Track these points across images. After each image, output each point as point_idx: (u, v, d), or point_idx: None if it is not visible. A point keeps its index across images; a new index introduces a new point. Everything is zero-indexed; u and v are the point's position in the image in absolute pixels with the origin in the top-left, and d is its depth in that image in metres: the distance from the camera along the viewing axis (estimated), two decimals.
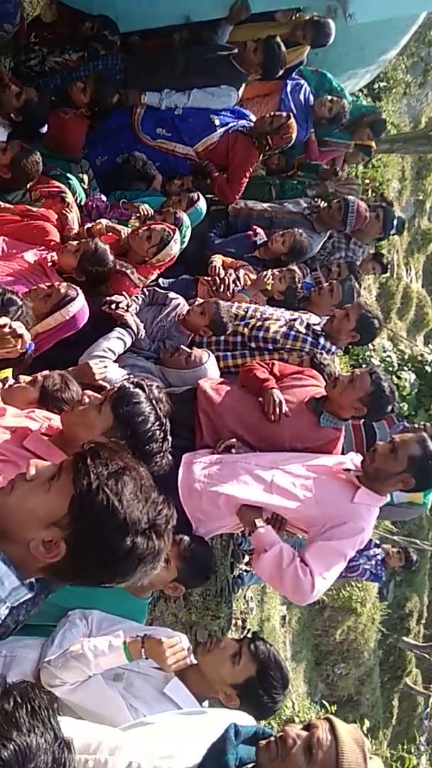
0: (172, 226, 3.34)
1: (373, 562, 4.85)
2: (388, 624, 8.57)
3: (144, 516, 1.29)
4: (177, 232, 3.30)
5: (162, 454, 1.91)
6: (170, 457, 1.97)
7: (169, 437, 1.94)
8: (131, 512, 1.27)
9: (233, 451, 2.71)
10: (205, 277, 3.97)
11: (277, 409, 2.76)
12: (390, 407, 2.84)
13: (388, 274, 9.32)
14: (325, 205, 4.57)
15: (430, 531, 10.35)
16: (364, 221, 4.50)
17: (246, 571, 5.14)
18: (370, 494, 2.57)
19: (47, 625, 2.16)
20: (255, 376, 2.90)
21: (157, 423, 1.91)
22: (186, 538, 2.37)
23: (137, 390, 1.94)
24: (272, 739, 1.60)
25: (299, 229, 4.21)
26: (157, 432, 1.90)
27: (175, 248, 3.28)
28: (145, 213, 3.72)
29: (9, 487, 1.33)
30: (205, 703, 2.12)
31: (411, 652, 9.59)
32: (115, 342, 2.94)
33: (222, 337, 3.38)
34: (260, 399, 2.83)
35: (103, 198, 3.85)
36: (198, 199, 3.88)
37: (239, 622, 5.11)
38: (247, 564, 5.21)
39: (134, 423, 1.87)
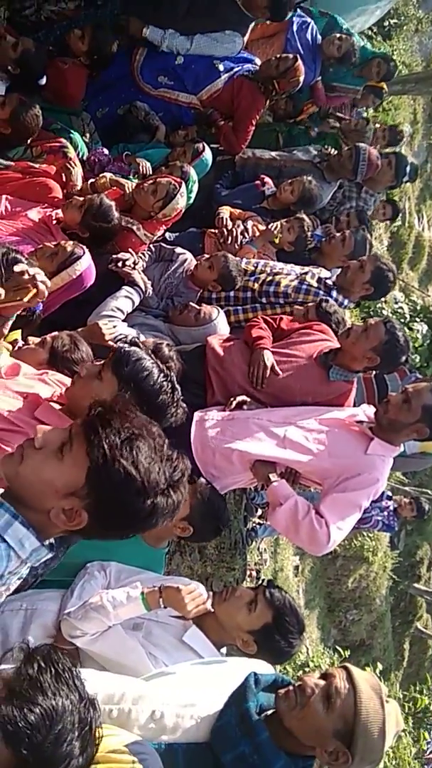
0: (178, 180, 3.24)
1: (386, 513, 4.91)
2: (399, 571, 8.73)
3: (162, 477, 1.30)
4: (183, 185, 3.21)
5: (175, 404, 1.90)
6: (184, 406, 1.97)
7: (178, 386, 1.92)
8: (149, 476, 1.28)
9: (245, 407, 2.70)
10: (212, 230, 3.88)
11: (260, 373, 2.73)
12: (404, 357, 2.81)
13: (399, 223, 9.10)
14: (336, 152, 4.42)
15: None
16: (376, 169, 4.35)
17: (259, 524, 5.22)
18: (383, 445, 2.57)
19: (66, 579, 2.20)
20: (250, 334, 2.88)
21: (162, 375, 1.89)
22: (202, 479, 2.38)
23: (134, 348, 1.92)
24: (291, 688, 1.64)
25: (308, 177, 4.08)
26: (165, 383, 1.88)
27: (181, 202, 3.20)
28: (145, 170, 3.62)
29: (19, 456, 1.32)
30: (223, 650, 2.16)
31: (421, 598, 9.81)
32: (123, 301, 2.90)
33: (232, 293, 3.32)
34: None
35: (105, 151, 3.75)
36: (203, 149, 3.76)
37: (254, 573, 5.21)
38: (260, 517, 5.28)
39: (139, 380, 1.85)
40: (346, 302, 3.41)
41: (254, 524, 5.19)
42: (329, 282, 3.40)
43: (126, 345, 1.94)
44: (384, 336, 2.74)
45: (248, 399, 2.72)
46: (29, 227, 3.00)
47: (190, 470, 1.39)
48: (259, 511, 5.28)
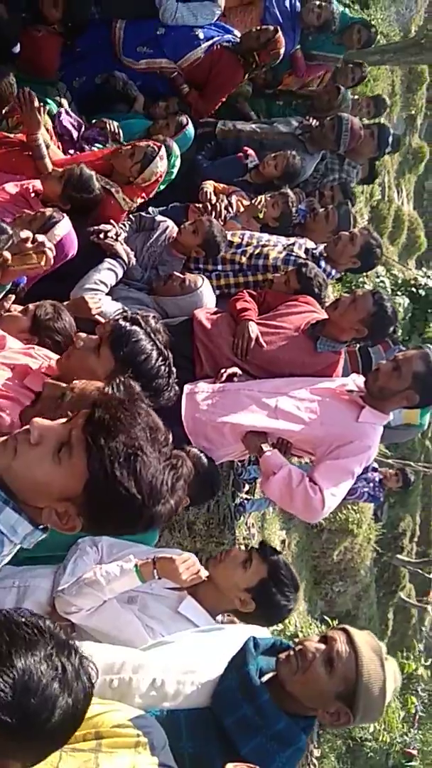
0: (157, 143, 3.17)
1: (371, 485, 4.96)
2: (382, 543, 8.88)
3: (164, 488, 1.24)
4: (162, 149, 3.13)
5: (169, 387, 1.88)
6: (177, 388, 1.95)
7: (174, 369, 1.90)
8: (150, 491, 1.22)
9: (236, 379, 2.69)
10: (196, 204, 3.83)
11: (244, 345, 2.71)
12: (392, 328, 2.82)
13: (379, 197, 9.08)
14: (317, 124, 4.37)
15: (422, 453, 10.58)
16: (359, 139, 4.32)
17: (247, 499, 5.25)
18: (374, 413, 2.59)
19: (57, 555, 2.18)
20: (234, 307, 2.85)
21: (161, 358, 1.87)
22: (195, 450, 2.37)
23: (134, 327, 1.88)
24: (291, 653, 1.66)
25: (292, 152, 4.04)
26: (162, 368, 1.86)
27: (161, 166, 3.12)
28: (113, 129, 3.52)
29: (12, 449, 1.24)
30: (219, 618, 2.18)
31: (405, 569, 10.02)
32: (107, 273, 2.85)
33: (219, 266, 3.28)
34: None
35: (69, 119, 3.62)
36: (187, 123, 3.70)
37: (242, 548, 5.25)
38: (247, 493, 5.31)
39: (137, 363, 1.82)
40: (333, 273, 3.40)
41: (242, 499, 5.22)
42: (316, 252, 3.39)
43: (127, 323, 1.89)
44: (372, 307, 2.74)
45: (239, 371, 2.71)
46: (6, 200, 2.92)
47: (190, 474, 1.35)
48: (247, 487, 5.31)
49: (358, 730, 6.51)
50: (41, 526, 1.29)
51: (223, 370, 2.70)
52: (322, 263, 3.35)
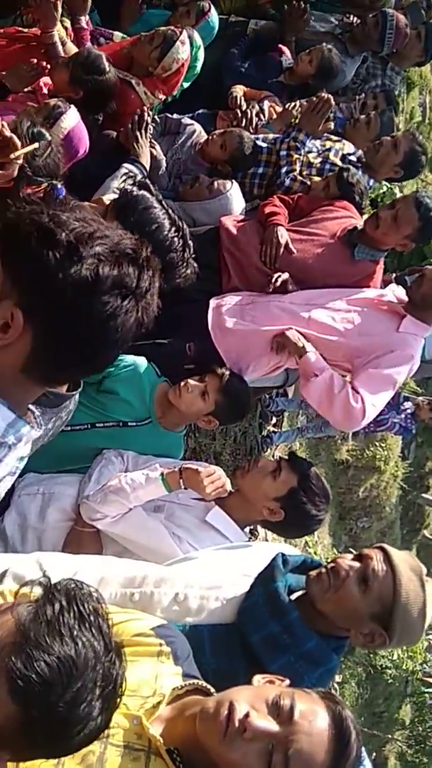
0: (179, 28, 2.88)
1: (403, 416, 4.80)
2: (409, 481, 8.82)
3: (97, 241, 0.98)
4: (184, 33, 2.84)
5: (185, 263, 1.67)
6: (195, 265, 1.75)
7: (191, 242, 1.69)
8: (76, 236, 0.97)
9: (290, 287, 2.48)
10: (225, 111, 3.54)
11: (273, 251, 2.50)
12: None
13: (419, 118, 8.49)
14: (358, 22, 3.97)
15: None
16: (404, 39, 3.91)
17: (274, 431, 5.16)
18: (416, 323, 2.41)
19: (81, 467, 2.14)
20: (263, 212, 2.63)
21: (174, 228, 1.67)
22: (227, 371, 2.25)
23: (143, 193, 1.69)
24: (323, 570, 1.55)
25: (328, 45, 3.67)
26: (176, 240, 1.67)
27: (182, 52, 2.83)
28: None
29: None
30: (246, 530, 2.11)
31: (429, 507, 9.98)
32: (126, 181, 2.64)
33: (260, 169, 3.03)
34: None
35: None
36: (209, 9, 3.35)
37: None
38: (274, 425, 5.21)
39: (147, 233, 1.62)
40: (371, 183, 3.12)
41: (269, 431, 5.13)
42: (353, 159, 3.11)
43: (135, 187, 1.68)
44: (417, 221, 2.49)
45: (289, 278, 2.49)
46: (16, 98, 2.70)
47: (145, 246, 1.05)
48: (274, 419, 5.21)
49: (379, 658, 6.61)
50: (28, 417, 1.11)
51: (277, 275, 2.49)
52: (360, 172, 3.08)
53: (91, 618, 0.95)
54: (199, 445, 4.27)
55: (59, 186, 1.89)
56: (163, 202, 1.69)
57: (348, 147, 3.19)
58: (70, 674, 0.90)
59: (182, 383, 2.16)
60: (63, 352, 1.04)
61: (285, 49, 3.82)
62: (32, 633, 0.91)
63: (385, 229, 2.51)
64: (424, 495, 9.79)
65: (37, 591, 0.98)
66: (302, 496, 1.99)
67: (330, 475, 7.11)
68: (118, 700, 0.98)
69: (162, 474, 1.99)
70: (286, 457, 2.09)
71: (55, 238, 0.97)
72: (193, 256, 1.74)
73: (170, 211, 1.70)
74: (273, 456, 5.44)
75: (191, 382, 2.17)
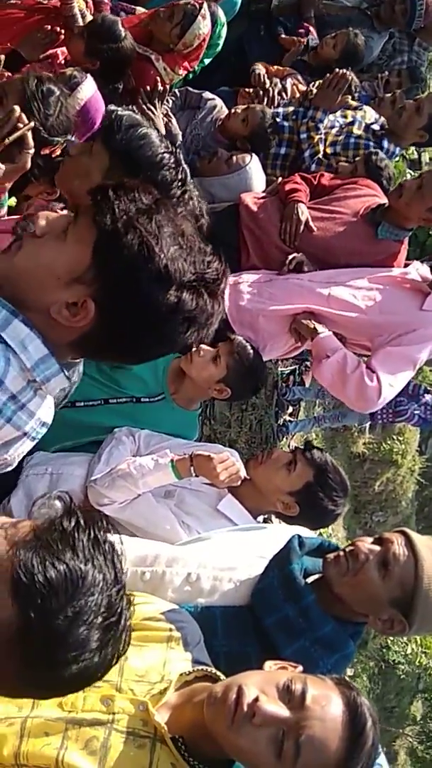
0: (198, 0, 2.80)
1: (423, 407, 4.70)
2: (426, 476, 8.70)
3: (189, 266, 1.02)
4: (204, 5, 2.76)
5: (180, 183, 1.60)
6: (196, 194, 1.68)
7: (185, 166, 1.63)
8: (172, 258, 1.00)
9: (305, 269, 2.41)
10: (247, 89, 3.46)
11: (293, 229, 2.42)
12: None
13: None
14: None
15: None
16: None
17: (290, 420, 5.09)
18: None
19: (93, 443, 2.07)
20: (283, 189, 2.55)
21: (164, 145, 1.60)
22: (240, 338, 2.18)
23: (128, 113, 1.63)
24: (342, 553, 1.48)
25: (355, 30, 3.57)
26: (167, 156, 1.59)
27: (203, 27, 2.76)
28: None
29: (16, 248, 1.06)
30: (260, 519, 2.04)
31: None
32: None
33: (273, 151, 2.97)
34: None
35: None
36: None
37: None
38: (291, 415, 5.15)
39: (135, 150, 1.57)
40: (398, 150, 3.05)
41: (285, 420, 5.06)
42: (376, 128, 3.03)
43: (119, 109, 1.64)
44: None
45: (305, 259, 2.42)
46: (32, 67, 2.63)
47: (228, 277, 1.11)
48: (290, 409, 5.14)
49: (392, 653, 6.53)
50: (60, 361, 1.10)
51: (291, 256, 2.42)
52: (385, 142, 3.00)
53: (107, 546, 0.91)
54: (214, 432, 4.21)
55: (74, 140, 1.84)
56: (149, 122, 1.65)
57: (370, 115, 3.12)
58: (77, 587, 0.86)
59: (194, 348, 2.10)
60: (114, 350, 1.11)
61: (310, 27, 3.72)
62: (47, 537, 0.88)
63: (409, 199, 2.42)
64: None
65: (58, 505, 0.95)
66: (319, 491, 1.90)
67: (346, 468, 7.01)
68: (120, 644, 0.92)
69: (172, 461, 1.92)
70: (302, 449, 2.00)
71: (155, 257, 1.00)
72: (190, 180, 1.69)
73: (157, 130, 1.65)
74: (288, 446, 5.38)
75: (203, 347, 2.11)
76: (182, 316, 1.03)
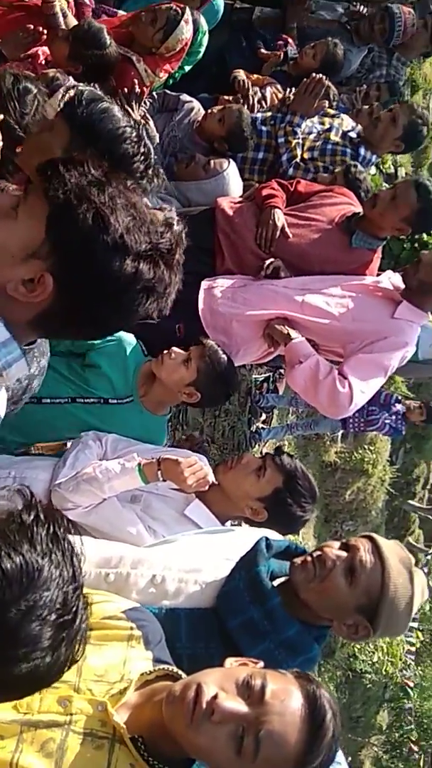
0: (181, 5, 2.81)
1: (394, 417, 4.76)
2: (396, 487, 8.80)
3: (144, 236, 1.01)
4: (187, 11, 2.77)
5: (142, 158, 1.59)
6: (161, 171, 1.67)
7: (147, 142, 1.63)
8: (127, 229, 0.99)
9: (282, 274, 2.42)
10: (227, 96, 3.48)
11: (269, 234, 2.44)
12: None
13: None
14: (365, 11, 3.92)
15: None
16: (411, 36, 3.88)
17: (263, 427, 5.10)
18: (411, 309, 2.36)
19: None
20: (260, 194, 2.57)
21: (125, 120, 1.59)
22: (212, 343, 2.17)
23: (89, 89, 1.63)
24: (309, 558, 1.48)
25: (334, 39, 3.62)
26: (128, 130, 1.58)
27: (186, 31, 2.76)
28: None
29: None
30: (227, 524, 2.02)
31: (415, 514, 9.98)
32: None
33: (250, 156, 2.99)
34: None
35: None
36: None
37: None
38: (263, 422, 5.16)
39: (96, 124, 1.56)
40: (374, 158, 3.09)
41: (258, 428, 5.07)
42: (353, 135, 3.07)
43: (80, 85, 1.62)
44: (416, 203, 2.44)
45: (281, 264, 2.43)
46: (12, 65, 2.61)
47: (183, 249, 1.10)
48: (264, 416, 5.16)
49: (359, 662, 6.56)
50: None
51: (268, 261, 2.43)
52: (362, 150, 3.05)
53: (65, 544, 0.90)
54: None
55: None
56: (115, 100, 1.64)
57: (347, 123, 3.16)
58: (32, 581, 0.84)
59: (166, 351, 2.09)
60: (75, 325, 1.09)
61: (289, 39, 3.76)
62: (4, 528, 0.87)
63: (382, 209, 2.46)
64: (410, 502, 9.78)
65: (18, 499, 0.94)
66: (287, 497, 1.90)
67: (318, 477, 7.05)
68: (73, 647, 0.90)
69: (139, 464, 1.89)
70: (272, 454, 1.99)
71: (109, 227, 0.99)
72: (155, 163, 1.68)
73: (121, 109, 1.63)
74: (261, 453, 5.39)
75: (175, 349, 2.10)
76: (140, 285, 1.03)
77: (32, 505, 0.92)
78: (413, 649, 6.23)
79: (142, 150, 1.60)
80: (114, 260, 0.99)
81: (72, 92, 1.62)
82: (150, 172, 1.61)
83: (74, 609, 0.89)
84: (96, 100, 1.59)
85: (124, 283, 1.01)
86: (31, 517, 0.90)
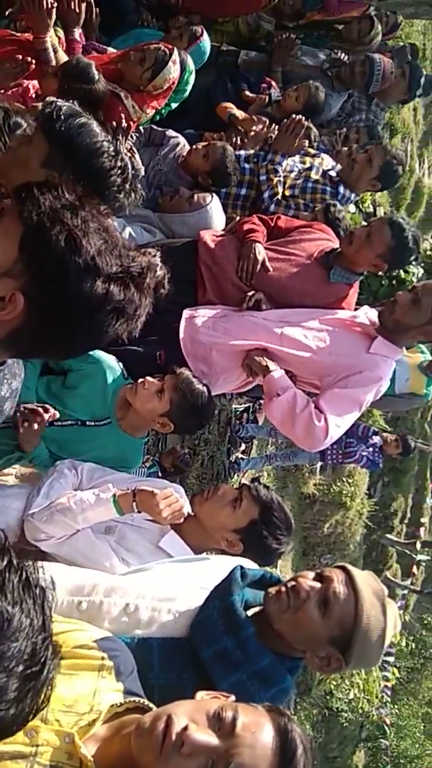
0: (169, 46, 2.90)
1: (371, 449, 4.80)
2: (374, 520, 8.80)
3: (115, 259, 1.04)
4: (175, 52, 2.86)
5: (120, 172, 1.61)
6: (139, 187, 1.70)
7: (125, 157, 1.65)
8: (99, 251, 1.02)
9: (264, 306, 2.46)
10: (211, 133, 3.57)
11: (250, 267, 2.50)
12: (413, 257, 2.59)
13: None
14: (347, 59, 4.09)
15: (420, 435, 10.45)
16: (389, 83, 4.05)
17: (242, 458, 5.10)
18: (387, 345, 2.40)
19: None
20: (241, 229, 2.63)
21: (103, 134, 1.61)
22: (186, 371, 2.18)
23: (68, 105, 1.64)
24: (283, 589, 1.48)
25: (315, 83, 3.77)
26: (105, 144, 1.60)
27: (173, 71, 2.84)
28: None
29: None
30: (203, 555, 2.00)
31: (393, 548, 9.96)
32: None
33: (233, 192, 3.07)
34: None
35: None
36: (201, 33, 3.40)
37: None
38: (243, 452, 5.16)
39: (74, 138, 1.59)
40: (353, 197, 3.19)
41: (237, 458, 5.07)
42: (333, 175, 3.17)
43: (58, 100, 1.65)
44: (390, 240, 2.51)
45: (263, 297, 2.47)
46: (1, 96, 2.68)
47: (155, 274, 1.14)
48: (243, 446, 5.16)
49: (335, 700, 6.46)
50: None
51: (250, 293, 2.47)
52: (341, 188, 3.14)
53: (37, 591, 0.87)
54: None
55: None
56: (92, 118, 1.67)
57: (327, 162, 3.26)
58: (1, 630, 0.81)
59: (140, 380, 2.09)
60: (45, 343, 1.10)
61: (273, 81, 3.90)
62: None
63: (358, 246, 2.52)
64: (388, 536, 9.77)
65: None
66: (263, 529, 1.89)
67: (296, 509, 7.04)
68: (39, 698, 0.87)
69: (114, 495, 1.88)
70: (248, 485, 1.99)
71: (81, 249, 1.02)
72: (133, 172, 1.71)
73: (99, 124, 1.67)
74: (239, 483, 5.38)
75: (149, 379, 2.11)
76: (110, 306, 1.05)
77: (4, 550, 0.89)
78: (390, 684, 6.15)
79: (119, 164, 1.62)
80: (85, 281, 1.02)
81: (50, 107, 1.65)
82: (127, 186, 1.64)
83: (42, 660, 0.87)
84: (74, 115, 1.61)
85: (95, 304, 1.03)
86: (4, 563, 0.87)
